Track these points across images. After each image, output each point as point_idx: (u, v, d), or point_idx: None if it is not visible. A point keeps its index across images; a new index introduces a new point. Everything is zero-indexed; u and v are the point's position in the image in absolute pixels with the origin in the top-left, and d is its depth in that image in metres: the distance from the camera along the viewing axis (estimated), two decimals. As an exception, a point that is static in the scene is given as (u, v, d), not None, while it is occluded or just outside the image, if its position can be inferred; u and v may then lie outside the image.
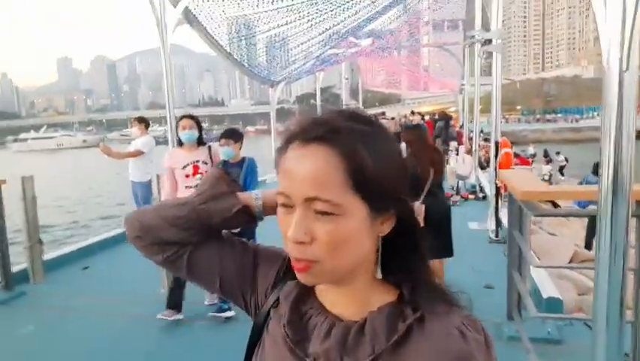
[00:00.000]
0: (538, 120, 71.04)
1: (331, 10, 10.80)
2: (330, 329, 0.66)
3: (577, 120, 64.53)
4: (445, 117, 14.54)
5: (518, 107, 69.79)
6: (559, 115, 74.26)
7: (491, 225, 5.67)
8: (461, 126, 16.86)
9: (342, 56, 16.01)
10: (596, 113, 71.04)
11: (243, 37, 10.99)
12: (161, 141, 8.16)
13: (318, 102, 17.15)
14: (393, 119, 16.53)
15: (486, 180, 9.42)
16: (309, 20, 10.82)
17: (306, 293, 0.71)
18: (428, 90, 44.79)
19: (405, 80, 36.77)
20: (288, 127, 0.65)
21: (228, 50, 10.37)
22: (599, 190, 1.90)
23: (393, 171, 0.63)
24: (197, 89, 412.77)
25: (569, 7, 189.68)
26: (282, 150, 0.64)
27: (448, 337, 0.61)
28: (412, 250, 0.67)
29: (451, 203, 7.82)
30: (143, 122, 6.48)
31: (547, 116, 75.60)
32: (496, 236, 5.46)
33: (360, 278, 0.66)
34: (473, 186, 8.40)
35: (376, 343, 0.63)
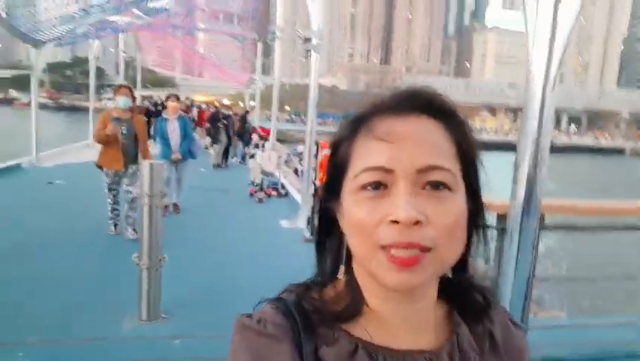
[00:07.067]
0: (303, 122, 78.75)
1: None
2: None
3: (332, 124, 74.32)
4: (236, 112, 14.42)
5: (287, 108, 75.50)
6: (319, 119, 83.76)
7: (304, 223, 5.74)
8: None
9: (123, 26, 14.31)
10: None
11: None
12: None
13: (92, 72, 14.68)
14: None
15: (287, 177, 9.60)
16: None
17: (354, 349, 0.54)
18: (203, 77, 43.74)
19: (179, 64, 35.08)
20: (367, 99, 0.56)
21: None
22: (511, 205, 1.94)
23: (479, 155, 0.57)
24: None
25: (331, 23, 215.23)
26: (359, 124, 0.54)
27: (516, 336, 0.62)
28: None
29: (257, 200, 7.67)
30: None
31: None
32: (312, 234, 5.54)
33: (434, 287, 0.57)
34: (275, 183, 8.44)
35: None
